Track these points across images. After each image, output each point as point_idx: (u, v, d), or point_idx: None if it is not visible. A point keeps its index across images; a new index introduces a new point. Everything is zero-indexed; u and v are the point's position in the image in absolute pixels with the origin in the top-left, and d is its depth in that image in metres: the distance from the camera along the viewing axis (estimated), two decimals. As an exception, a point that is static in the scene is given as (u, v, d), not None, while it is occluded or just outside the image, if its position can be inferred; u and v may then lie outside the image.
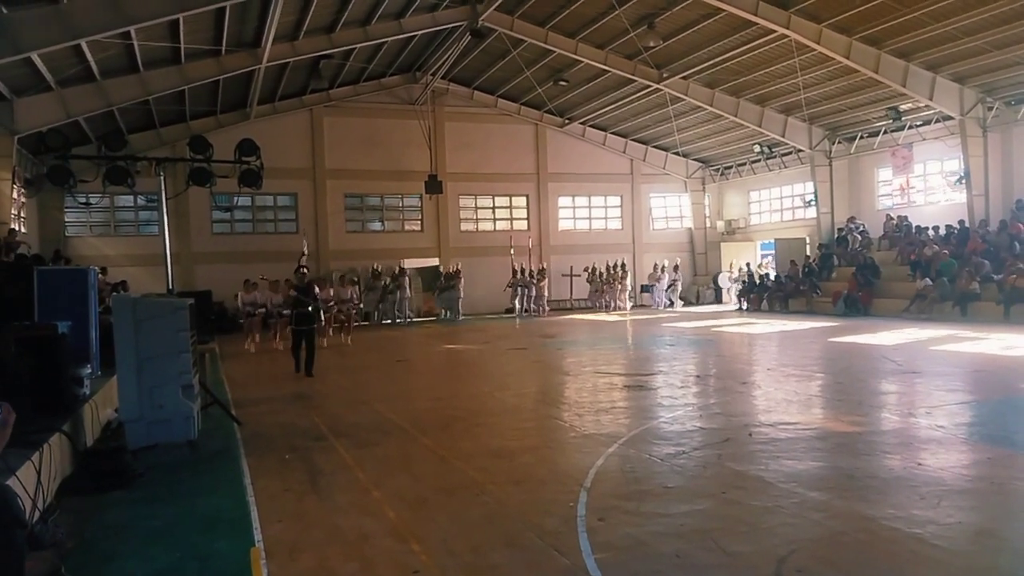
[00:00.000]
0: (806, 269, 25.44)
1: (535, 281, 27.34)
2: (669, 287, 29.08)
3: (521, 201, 30.72)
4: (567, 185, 31.09)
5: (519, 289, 27.42)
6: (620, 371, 12.34)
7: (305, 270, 13.35)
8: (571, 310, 29.11)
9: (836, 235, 25.95)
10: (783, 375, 11.22)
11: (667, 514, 5.10)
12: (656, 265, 29.58)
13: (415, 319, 26.36)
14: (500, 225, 30.43)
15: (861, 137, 25.33)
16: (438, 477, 6.25)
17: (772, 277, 27.30)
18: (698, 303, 30.63)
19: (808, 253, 26.80)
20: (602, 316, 26.17)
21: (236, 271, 22.56)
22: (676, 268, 29.19)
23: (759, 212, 31.27)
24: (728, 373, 11.76)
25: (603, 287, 28.86)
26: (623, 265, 28.65)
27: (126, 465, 6.46)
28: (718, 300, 30.80)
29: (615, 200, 32.17)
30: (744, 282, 27.91)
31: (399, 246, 28.27)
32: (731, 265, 30.49)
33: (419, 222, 29.29)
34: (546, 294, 27.53)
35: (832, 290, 23.61)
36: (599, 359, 13.94)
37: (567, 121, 30.09)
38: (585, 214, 31.93)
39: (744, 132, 27.56)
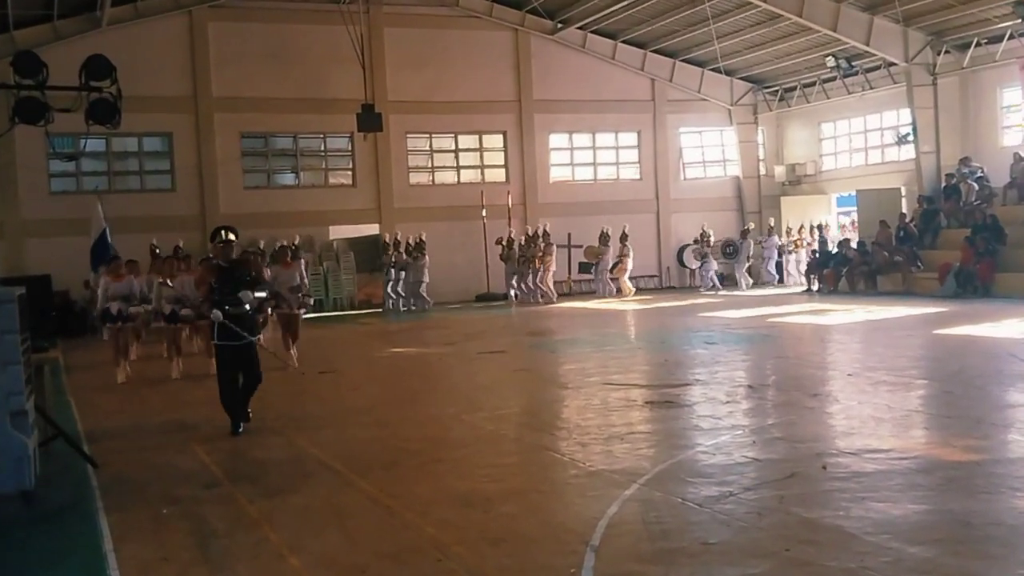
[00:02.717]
0: (901, 233, 25.61)
1: (412, 259, 26.64)
2: (616, 264, 28.71)
3: (496, 141, 30.69)
4: (562, 117, 31.07)
5: (392, 272, 26.87)
6: (640, 381, 12.37)
7: (233, 237, 10.49)
8: (569, 295, 29.10)
9: (944, 184, 26.13)
10: (870, 383, 11.28)
11: (708, 582, 5.13)
12: (602, 232, 28.68)
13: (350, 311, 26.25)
14: (467, 176, 30.35)
15: (978, 44, 25.45)
16: (382, 536, 6.23)
17: (848, 245, 27.48)
18: (756, 284, 30.52)
19: (904, 210, 26.97)
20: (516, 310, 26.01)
21: (85, 246, 22.30)
22: (624, 237, 28.61)
23: (834, 153, 31.40)
24: (792, 381, 11.83)
25: (519, 267, 28.05)
26: (545, 234, 27.89)
27: (-69, 528, 6.38)
28: (688, 284, 30.75)
29: (630, 138, 32.22)
30: (815, 254, 28.09)
31: (322, 208, 28.13)
32: (703, 232, 29.69)
33: (350, 173, 29.15)
34: (426, 278, 26.77)
35: (938, 262, 23.80)
36: (609, 365, 13.96)
37: (560, 25, 29.98)
38: (588, 158, 31.99)
39: (812, 39, 27.61)
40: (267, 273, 14.76)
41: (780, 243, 30.21)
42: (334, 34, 27.19)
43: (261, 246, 24.51)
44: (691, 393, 11.18)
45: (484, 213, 28.39)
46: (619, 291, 28.68)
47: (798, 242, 30.30)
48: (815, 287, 27.02)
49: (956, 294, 22.35)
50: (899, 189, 28.05)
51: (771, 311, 21.86)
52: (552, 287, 28.07)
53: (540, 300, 27.47)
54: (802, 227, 30.44)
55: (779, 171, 32.46)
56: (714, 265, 29.56)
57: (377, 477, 7.80)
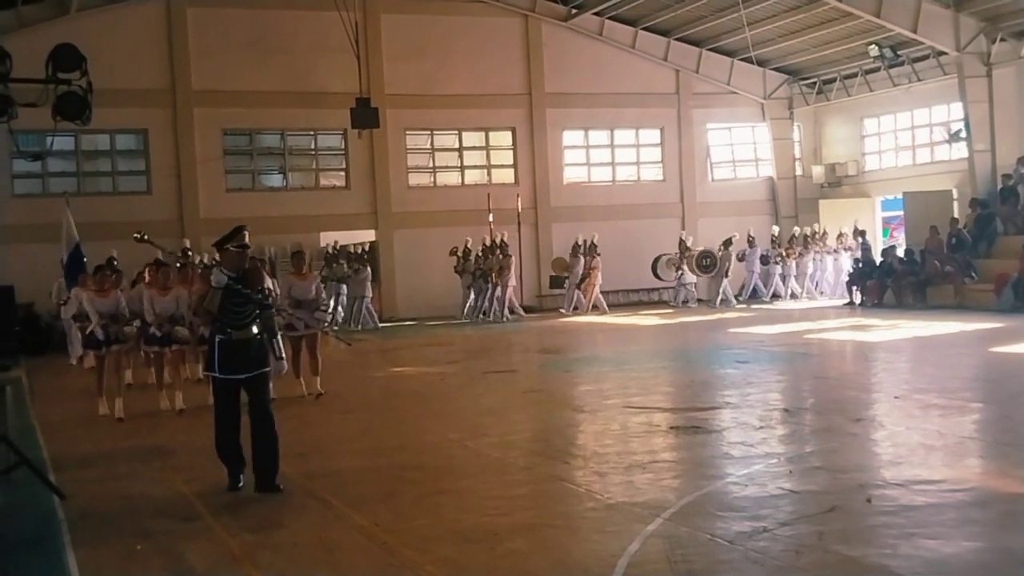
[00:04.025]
0: (953, 240, 25.53)
1: (353, 272, 26.17)
2: (583, 279, 28.17)
3: (504, 138, 30.74)
4: (576, 112, 31.12)
5: (332, 285, 26.10)
6: (664, 404, 12.38)
7: (245, 236, 8.96)
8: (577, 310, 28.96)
9: (1000, 186, 26.06)
10: (919, 406, 11.27)
11: (740, 627, 5.13)
12: (575, 243, 28.33)
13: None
14: (471, 177, 30.39)
15: (1038, 31, 25.44)
16: (377, 575, 6.22)
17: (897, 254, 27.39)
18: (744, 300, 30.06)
19: (956, 214, 26.88)
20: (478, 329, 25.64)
21: (52, 254, 22.35)
22: (593, 248, 27.89)
23: (878, 151, 31.34)
24: (833, 405, 11.81)
25: (475, 281, 27.56)
26: (502, 244, 27.47)
27: None
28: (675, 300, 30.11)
29: (652, 135, 32.25)
30: (859, 263, 28.02)
31: (313, 212, 28.14)
32: (682, 241, 29.21)
33: (343, 174, 29.18)
34: (368, 293, 26.26)
35: (994, 272, 23.70)
36: (629, 386, 13.99)
37: (574, 11, 30.04)
38: (606, 157, 32.03)
39: (854, 25, 27.59)
40: (273, 285, 13.04)
41: (762, 253, 29.76)
42: (325, 21, 27.05)
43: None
44: (720, 417, 11.17)
45: (491, 218, 28.35)
46: (586, 307, 28.07)
47: (789, 252, 29.87)
48: (858, 300, 26.97)
49: (1015, 308, 22.22)
50: (950, 191, 27.91)
51: (809, 327, 21.84)
52: (512, 304, 27.63)
53: (491, 319, 27.02)
54: (793, 237, 30.04)
55: (817, 171, 32.38)
56: (691, 278, 29.25)
57: (372, 510, 7.78)
